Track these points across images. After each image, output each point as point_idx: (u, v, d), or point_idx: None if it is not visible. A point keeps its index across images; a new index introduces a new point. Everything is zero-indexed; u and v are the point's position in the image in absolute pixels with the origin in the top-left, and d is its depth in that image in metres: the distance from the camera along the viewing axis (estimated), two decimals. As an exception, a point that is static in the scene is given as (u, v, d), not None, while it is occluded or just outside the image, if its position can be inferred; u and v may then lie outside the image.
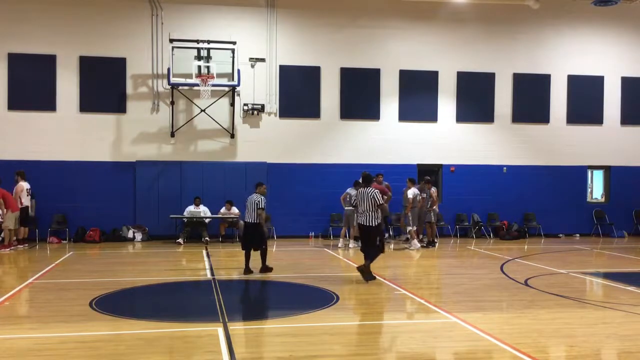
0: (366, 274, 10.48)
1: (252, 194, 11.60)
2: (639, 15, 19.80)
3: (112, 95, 17.48)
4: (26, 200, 15.52)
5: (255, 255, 11.51)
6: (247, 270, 11.41)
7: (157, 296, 9.83)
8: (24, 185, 15.53)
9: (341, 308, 8.58)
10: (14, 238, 15.26)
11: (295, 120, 18.31)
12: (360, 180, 11.28)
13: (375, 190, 10.77)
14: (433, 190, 16.43)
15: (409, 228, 15.90)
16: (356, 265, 11.16)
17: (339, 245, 15.81)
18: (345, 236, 16.17)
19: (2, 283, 10.85)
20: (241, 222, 17.26)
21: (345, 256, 14.17)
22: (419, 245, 15.64)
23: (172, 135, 17.56)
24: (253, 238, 11.44)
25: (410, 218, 15.76)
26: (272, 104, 18.14)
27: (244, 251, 11.55)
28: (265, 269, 11.51)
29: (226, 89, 17.50)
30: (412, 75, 18.75)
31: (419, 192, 15.91)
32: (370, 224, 10.56)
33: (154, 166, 17.53)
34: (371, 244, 10.64)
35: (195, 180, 17.57)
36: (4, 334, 6.94)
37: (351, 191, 15.90)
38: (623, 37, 19.93)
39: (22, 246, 15.28)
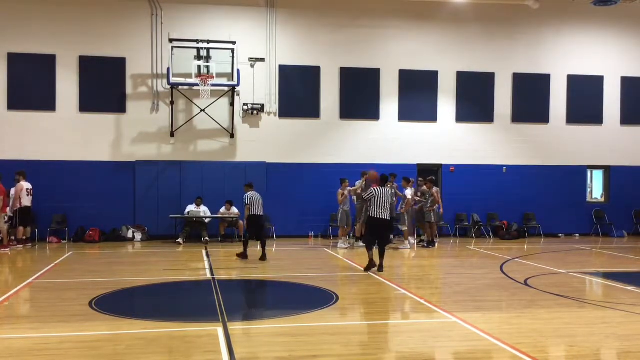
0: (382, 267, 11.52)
1: (252, 192, 13.49)
2: (639, 15, 19.80)
3: (111, 95, 17.49)
4: (26, 201, 15.55)
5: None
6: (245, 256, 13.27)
7: (157, 296, 9.83)
8: (24, 185, 15.55)
9: (341, 308, 8.57)
10: (12, 238, 15.38)
11: (295, 120, 18.31)
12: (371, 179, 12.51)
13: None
14: (435, 190, 16.41)
15: (404, 228, 15.90)
16: (363, 269, 11.63)
17: (339, 245, 15.79)
18: (346, 235, 16.16)
19: (2, 283, 10.85)
20: (241, 221, 17.28)
21: (345, 256, 14.16)
22: (409, 245, 15.70)
23: (172, 135, 17.56)
24: (262, 228, 13.58)
25: (406, 218, 15.79)
26: (272, 104, 18.14)
27: (253, 240, 13.43)
28: (265, 257, 13.13)
29: (226, 88, 17.50)
30: (412, 75, 18.76)
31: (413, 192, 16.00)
32: (389, 218, 11.80)
33: (154, 166, 17.53)
34: (388, 237, 12.24)
35: (195, 180, 17.57)
36: (4, 333, 6.94)
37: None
38: (623, 37, 19.94)
39: (21, 246, 15.29)
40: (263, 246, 13.36)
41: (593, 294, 10.41)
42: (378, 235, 11.59)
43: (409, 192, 15.76)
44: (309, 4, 18.39)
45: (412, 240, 15.96)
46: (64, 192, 16.94)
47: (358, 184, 15.73)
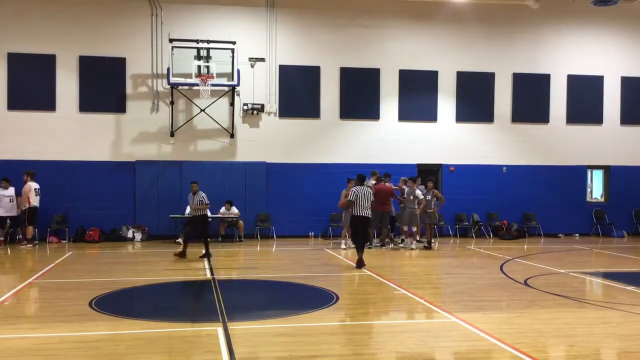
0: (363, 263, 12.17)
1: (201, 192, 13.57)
2: (639, 15, 19.80)
3: (111, 95, 17.48)
4: (35, 200, 15.65)
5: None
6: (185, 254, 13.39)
7: (157, 296, 9.83)
8: (32, 185, 15.65)
9: (341, 308, 8.58)
10: (19, 237, 15.67)
11: (295, 120, 18.31)
12: (356, 179, 12.99)
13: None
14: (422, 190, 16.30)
15: (414, 228, 15.73)
16: (354, 265, 12.23)
17: (341, 245, 15.71)
18: (346, 236, 16.12)
19: (2, 283, 10.86)
20: (241, 221, 17.29)
21: (346, 256, 14.15)
22: (414, 245, 15.60)
23: (172, 135, 17.56)
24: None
25: (418, 218, 15.61)
26: (272, 104, 18.14)
27: (188, 241, 13.60)
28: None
29: (226, 88, 17.50)
30: (411, 75, 18.76)
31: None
32: (369, 216, 12.51)
33: (154, 166, 17.53)
34: (367, 233, 13.06)
35: (194, 179, 17.49)
36: (4, 333, 6.94)
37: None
38: (623, 37, 19.94)
39: (31, 245, 15.39)
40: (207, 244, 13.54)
41: (593, 294, 10.41)
42: (358, 231, 12.37)
43: (419, 192, 15.58)
44: (309, 4, 18.39)
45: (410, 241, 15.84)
46: (64, 192, 16.93)
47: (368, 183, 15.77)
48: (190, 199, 13.72)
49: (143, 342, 6.61)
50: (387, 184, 15.83)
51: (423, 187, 16.34)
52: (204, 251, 13.40)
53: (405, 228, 15.82)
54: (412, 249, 15.40)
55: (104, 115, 17.40)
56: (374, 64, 18.60)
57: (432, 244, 15.98)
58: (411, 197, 15.52)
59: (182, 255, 13.35)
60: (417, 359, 6.18)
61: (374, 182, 15.48)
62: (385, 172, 16.46)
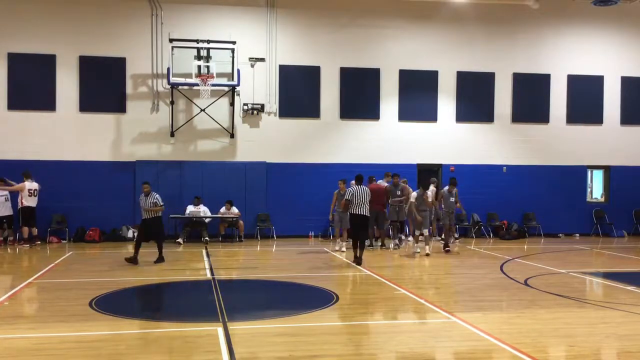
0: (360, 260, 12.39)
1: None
2: (639, 15, 19.80)
3: (111, 95, 17.48)
4: (29, 201, 15.65)
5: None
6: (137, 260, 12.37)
7: (157, 296, 9.84)
8: (27, 185, 15.66)
9: (341, 308, 8.57)
10: (11, 238, 15.65)
11: (295, 120, 18.31)
12: (355, 180, 13.11)
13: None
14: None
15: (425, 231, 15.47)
16: (352, 262, 12.59)
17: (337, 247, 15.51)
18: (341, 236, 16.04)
19: (2, 283, 10.85)
20: (241, 221, 17.29)
21: (345, 256, 14.14)
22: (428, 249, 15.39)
23: (172, 135, 17.55)
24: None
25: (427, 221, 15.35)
26: (272, 104, 18.14)
27: (139, 243, 12.68)
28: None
29: (226, 88, 17.50)
30: (412, 75, 18.75)
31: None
32: (367, 214, 12.69)
33: (154, 166, 17.52)
34: (365, 232, 13.13)
35: (195, 180, 17.56)
36: (4, 333, 6.94)
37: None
38: (623, 37, 19.93)
39: (27, 245, 15.40)
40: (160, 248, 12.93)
41: (593, 294, 10.41)
42: (356, 230, 12.60)
43: (429, 193, 15.39)
44: (309, 4, 18.39)
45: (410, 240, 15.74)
46: (64, 192, 16.90)
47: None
48: (142, 200, 12.66)
49: (143, 342, 6.61)
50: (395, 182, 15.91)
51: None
52: (158, 255, 12.73)
53: (425, 232, 15.45)
54: (418, 252, 15.03)
55: (104, 115, 17.39)
56: (374, 64, 18.60)
57: (455, 243, 15.56)
58: (423, 199, 15.20)
59: (132, 260, 12.33)
60: (417, 359, 6.18)
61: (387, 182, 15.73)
62: (394, 172, 16.31)
